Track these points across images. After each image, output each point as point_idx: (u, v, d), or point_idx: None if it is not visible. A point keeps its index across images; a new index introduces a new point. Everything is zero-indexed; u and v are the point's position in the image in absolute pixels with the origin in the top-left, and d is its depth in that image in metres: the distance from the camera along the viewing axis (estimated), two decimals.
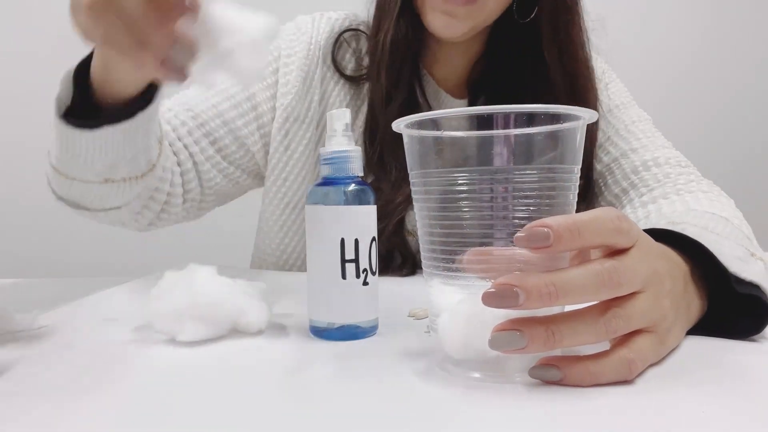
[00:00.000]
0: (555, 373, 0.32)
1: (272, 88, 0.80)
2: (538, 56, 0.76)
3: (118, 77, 0.52)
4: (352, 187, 0.44)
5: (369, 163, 0.77)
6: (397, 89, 0.76)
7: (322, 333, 0.44)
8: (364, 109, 0.80)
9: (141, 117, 0.55)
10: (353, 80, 0.81)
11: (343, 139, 0.44)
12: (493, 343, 0.31)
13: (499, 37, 0.80)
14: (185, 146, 0.74)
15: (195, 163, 0.75)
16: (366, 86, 0.80)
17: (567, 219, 0.31)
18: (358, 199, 0.43)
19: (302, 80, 0.79)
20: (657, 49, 1.80)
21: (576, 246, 0.31)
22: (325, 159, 0.44)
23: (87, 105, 0.54)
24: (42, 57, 1.54)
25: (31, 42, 1.54)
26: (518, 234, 0.31)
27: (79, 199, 0.64)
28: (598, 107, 0.78)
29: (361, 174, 0.45)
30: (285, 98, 0.79)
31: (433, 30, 0.72)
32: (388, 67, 0.75)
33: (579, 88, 0.76)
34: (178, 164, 0.74)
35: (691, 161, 0.78)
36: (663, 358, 0.36)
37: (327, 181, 0.44)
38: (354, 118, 0.80)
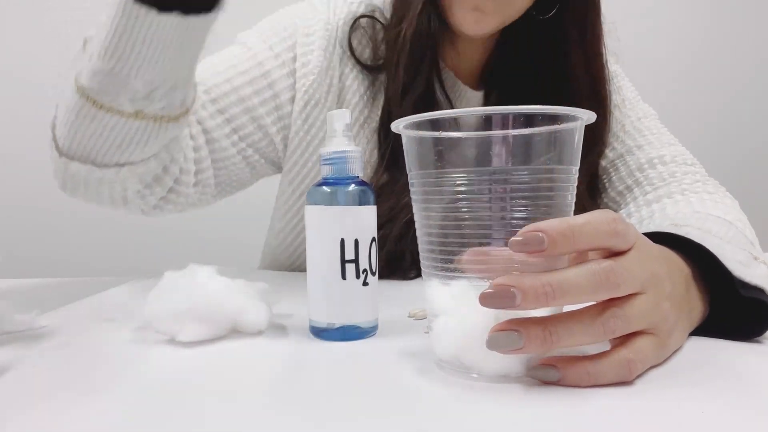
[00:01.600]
0: (553, 374, 0.32)
1: (289, 66, 0.75)
2: (559, 54, 0.75)
3: None
4: (352, 187, 0.44)
5: (382, 159, 0.75)
6: (414, 84, 0.74)
7: (322, 333, 0.44)
8: (380, 101, 0.77)
9: (204, 20, 0.52)
10: (369, 69, 0.78)
11: (343, 140, 0.44)
12: (491, 343, 0.32)
13: (515, 29, 0.77)
14: (198, 121, 0.69)
15: (207, 140, 0.71)
16: (381, 76, 0.77)
17: (562, 223, 0.31)
18: (358, 199, 0.43)
19: (322, 62, 0.75)
20: (658, 49, 1.80)
21: (571, 250, 0.31)
22: (325, 159, 0.44)
23: None
24: (43, 57, 1.54)
25: (32, 42, 1.54)
26: (513, 238, 0.31)
27: (93, 147, 0.58)
28: (609, 110, 0.78)
29: (362, 174, 0.45)
30: (306, 79, 0.74)
31: (461, 27, 0.70)
32: (408, 61, 0.73)
33: (600, 90, 0.76)
34: (191, 138, 0.69)
35: (696, 159, 0.77)
36: (663, 360, 0.36)
37: (327, 182, 0.44)
38: (369, 108, 0.78)
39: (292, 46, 0.75)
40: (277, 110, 0.75)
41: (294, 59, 0.75)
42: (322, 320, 0.43)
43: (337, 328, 0.43)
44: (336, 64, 0.76)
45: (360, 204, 0.43)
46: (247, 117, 0.73)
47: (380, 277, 0.71)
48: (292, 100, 0.75)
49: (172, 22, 0.51)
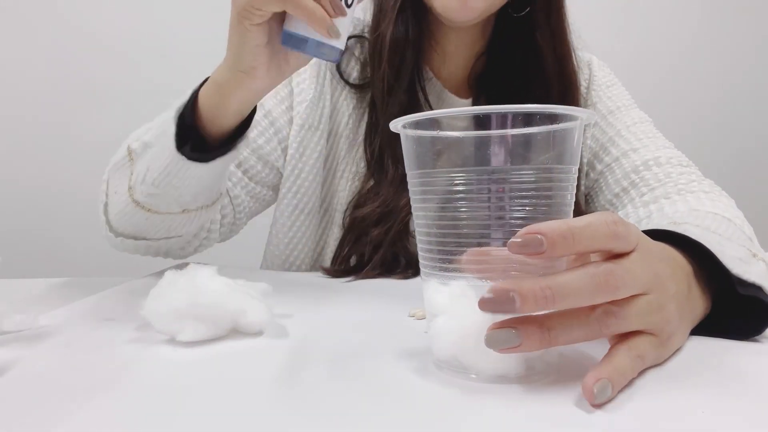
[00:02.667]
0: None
1: (287, 100, 0.81)
2: (531, 43, 0.78)
3: (228, 107, 0.59)
4: None
5: (369, 165, 0.78)
6: (397, 88, 0.76)
7: (291, 40, 0.51)
8: (365, 117, 0.80)
9: (240, 145, 0.62)
10: (357, 87, 0.81)
11: None
12: (489, 341, 0.31)
13: (498, 32, 0.81)
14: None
15: (228, 189, 0.77)
16: (369, 94, 0.81)
17: (561, 225, 0.31)
18: None
19: (315, 88, 0.80)
20: (657, 49, 1.80)
21: (570, 252, 0.31)
22: None
23: (192, 140, 0.60)
24: (42, 57, 1.54)
25: (32, 43, 1.54)
26: (512, 240, 0.31)
27: (145, 232, 0.68)
28: (579, 97, 0.81)
29: None
30: (300, 106, 0.80)
31: (446, 13, 0.71)
32: (388, 64, 0.75)
33: (568, 74, 0.79)
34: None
35: (691, 161, 0.78)
36: (663, 360, 0.36)
37: None
38: (357, 124, 0.81)
39: (288, 81, 0.81)
40: (280, 143, 0.81)
41: (291, 92, 0.81)
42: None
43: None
44: (327, 89, 0.81)
45: None
46: (256, 158, 0.80)
47: (379, 275, 0.72)
48: (290, 122, 0.81)
49: (216, 162, 0.61)
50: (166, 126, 0.60)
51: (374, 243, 0.73)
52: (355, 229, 0.76)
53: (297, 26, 0.51)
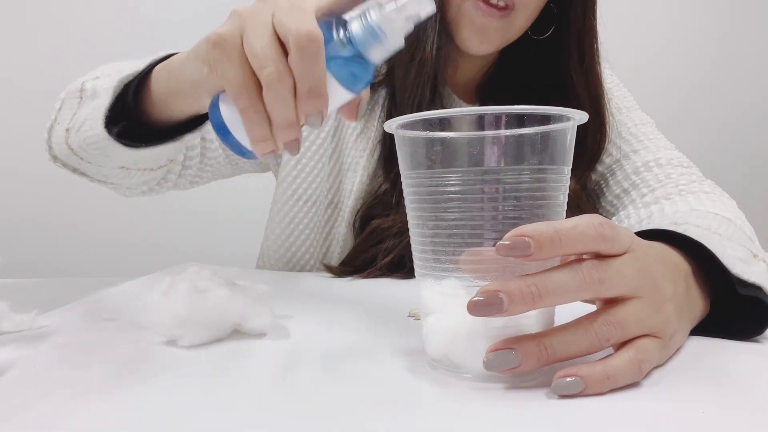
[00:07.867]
0: (577, 383, 0.31)
1: None
2: (559, 74, 0.78)
3: (186, 98, 0.50)
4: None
5: (387, 173, 0.77)
6: (415, 98, 0.76)
7: None
8: (377, 112, 0.79)
9: (186, 138, 0.56)
10: (372, 85, 0.80)
11: None
12: (488, 365, 0.32)
13: (510, 47, 0.80)
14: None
15: (203, 139, 0.75)
16: (380, 89, 0.80)
17: (548, 227, 0.31)
18: None
19: None
20: (660, 51, 1.80)
21: (558, 254, 0.31)
22: None
23: (129, 115, 0.54)
24: (42, 64, 1.54)
25: (31, 42, 1.54)
26: (500, 243, 0.31)
27: (82, 170, 0.64)
28: (609, 128, 0.80)
29: None
30: None
31: (466, 47, 0.74)
32: (418, 80, 0.75)
33: (601, 109, 0.78)
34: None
35: (694, 162, 0.78)
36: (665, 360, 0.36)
37: None
38: (366, 119, 0.80)
39: None
40: None
41: None
42: None
43: None
44: None
45: None
46: None
47: (382, 275, 0.72)
48: None
49: (151, 150, 0.55)
50: (107, 92, 0.53)
51: (389, 250, 0.73)
52: (374, 238, 0.75)
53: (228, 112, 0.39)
